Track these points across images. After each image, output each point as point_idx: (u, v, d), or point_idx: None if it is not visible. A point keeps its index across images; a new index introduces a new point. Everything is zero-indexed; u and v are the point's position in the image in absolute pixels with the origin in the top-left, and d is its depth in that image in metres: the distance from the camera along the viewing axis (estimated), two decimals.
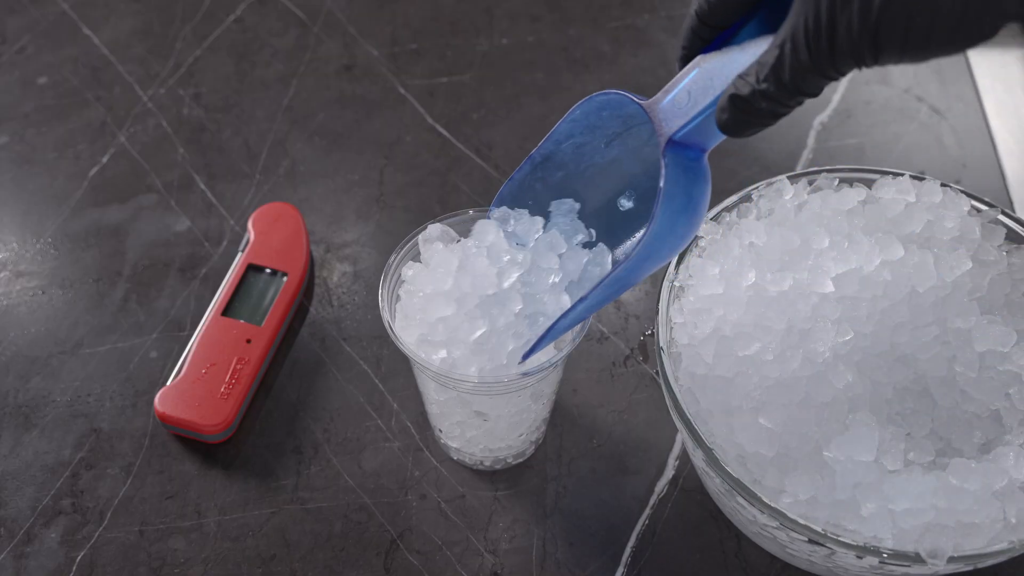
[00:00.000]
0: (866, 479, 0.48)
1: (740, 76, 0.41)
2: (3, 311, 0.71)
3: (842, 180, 0.60)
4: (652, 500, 0.62)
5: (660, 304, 0.56)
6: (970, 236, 0.56)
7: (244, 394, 0.64)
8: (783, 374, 0.52)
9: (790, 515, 0.48)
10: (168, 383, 0.64)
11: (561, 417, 0.65)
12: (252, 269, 0.70)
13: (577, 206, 0.54)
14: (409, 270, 0.55)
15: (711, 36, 0.44)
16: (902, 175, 0.58)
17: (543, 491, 0.62)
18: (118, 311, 0.71)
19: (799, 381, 0.51)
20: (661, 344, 0.54)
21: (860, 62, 0.38)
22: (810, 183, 0.60)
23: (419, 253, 0.56)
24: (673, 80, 0.45)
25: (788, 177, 0.60)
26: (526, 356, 0.51)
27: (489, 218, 0.54)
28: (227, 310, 0.67)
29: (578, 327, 0.53)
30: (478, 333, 0.51)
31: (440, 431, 0.61)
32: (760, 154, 0.79)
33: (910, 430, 0.52)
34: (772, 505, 0.48)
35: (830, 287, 0.53)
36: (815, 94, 0.40)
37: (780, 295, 0.54)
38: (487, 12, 0.90)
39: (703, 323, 0.54)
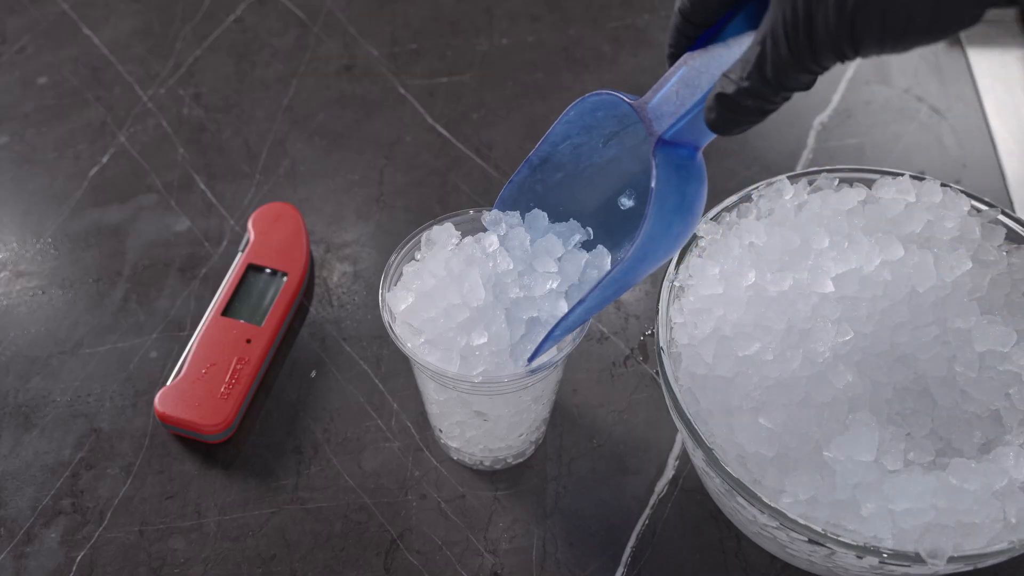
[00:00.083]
0: (866, 479, 0.48)
1: (725, 74, 0.41)
2: (3, 311, 0.71)
3: (842, 180, 0.59)
4: (652, 500, 0.62)
5: (660, 304, 0.56)
6: (970, 236, 0.56)
7: (244, 394, 0.64)
8: (783, 374, 0.52)
9: (790, 515, 0.48)
10: (168, 383, 0.64)
11: (561, 417, 0.65)
12: (252, 269, 0.70)
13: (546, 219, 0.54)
14: (410, 268, 0.55)
15: (696, 34, 0.44)
16: (902, 175, 0.58)
17: (543, 491, 0.62)
18: (118, 311, 0.71)
19: (799, 381, 0.51)
20: (661, 344, 0.54)
21: (841, 55, 0.38)
22: (810, 183, 0.60)
23: (419, 253, 0.56)
24: (661, 79, 0.45)
25: (788, 177, 0.60)
26: (531, 359, 0.51)
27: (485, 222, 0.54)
28: (227, 310, 0.67)
29: (578, 327, 0.53)
30: (480, 341, 0.51)
31: (440, 431, 0.61)
32: (760, 154, 0.80)
33: (910, 430, 0.52)
34: (772, 505, 0.48)
35: (830, 287, 0.53)
36: (801, 88, 0.40)
37: (780, 295, 0.54)
38: (487, 12, 0.90)
39: (703, 323, 0.54)
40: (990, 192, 0.76)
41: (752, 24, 0.42)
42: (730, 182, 0.76)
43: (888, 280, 0.53)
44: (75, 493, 0.62)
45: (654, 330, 0.56)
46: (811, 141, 0.81)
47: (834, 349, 0.52)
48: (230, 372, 0.64)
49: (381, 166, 0.79)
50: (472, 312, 0.52)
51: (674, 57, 0.45)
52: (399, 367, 0.67)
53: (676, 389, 0.53)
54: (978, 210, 0.58)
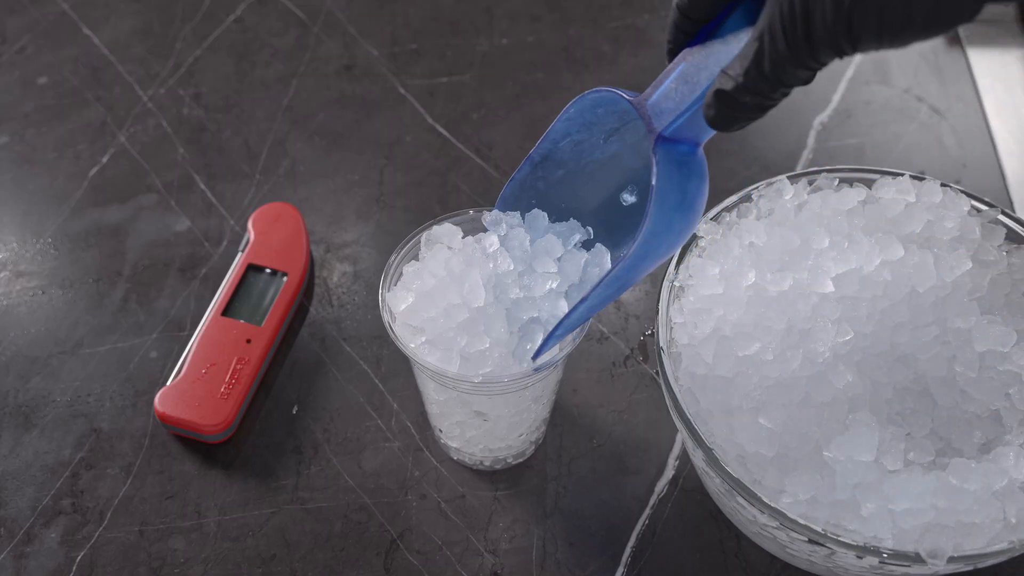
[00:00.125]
0: (866, 479, 0.48)
1: (723, 71, 0.41)
2: (3, 311, 0.71)
3: (842, 180, 0.59)
4: (652, 500, 0.62)
5: (660, 304, 0.56)
6: (970, 236, 0.56)
7: (244, 394, 0.64)
8: (783, 374, 0.52)
9: (790, 515, 0.48)
10: (168, 383, 0.64)
11: (561, 417, 0.65)
12: (252, 269, 0.70)
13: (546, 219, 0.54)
14: (410, 268, 0.55)
15: (694, 30, 0.44)
16: (902, 175, 0.58)
17: (543, 491, 0.62)
18: (118, 311, 0.71)
19: (799, 381, 0.51)
20: (661, 344, 0.54)
21: (839, 51, 0.38)
22: (810, 183, 0.60)
23: (419, 253, 0.56)
24: (660, 76, 0.45)
25: (788, 177, 0.60)
26: (535, 356, 0.51)
27: (485, 222, 0.54)
28: (227, 310, 0.67)
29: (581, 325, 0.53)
30: (481, 347, 0.51)
31: (440, 431, 0.61)
32: (760, 154, 0.80)
33: (910, 430, 0.52)
34: (772, 505, 0.48)
35: (830, 287, 0.53)
36: (800, 84, 0.40)
37: (780, 295, 0.54)
38: (487, 12, 0.90)
39: (703, 323, 0.54)
40: (990, 192, 0.76)
41: (750, 20, 0.41)
42: (730, 182, 0.76)
43: (888, 280, 0.53)
44: (75, 493, 0.62)
45: (654, 330, 0.56)
46: (811, 141, 0.81)
47: (834, 349, 0.52)
48: (230, 372, 0.64)
49: (381, 166, 0.79)
50: (472, 312, 0.52)
51: (673, 53, 0.45)
52: (399, 367, 0.67)
53: (676, 389, 0.53)
54: (978, 210, 0.58)
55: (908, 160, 0.79)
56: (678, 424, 0.53)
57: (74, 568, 0.59)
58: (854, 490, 0.48)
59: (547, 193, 0.54)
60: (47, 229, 0.76)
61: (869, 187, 0.59)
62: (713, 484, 0.54)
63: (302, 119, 0.82)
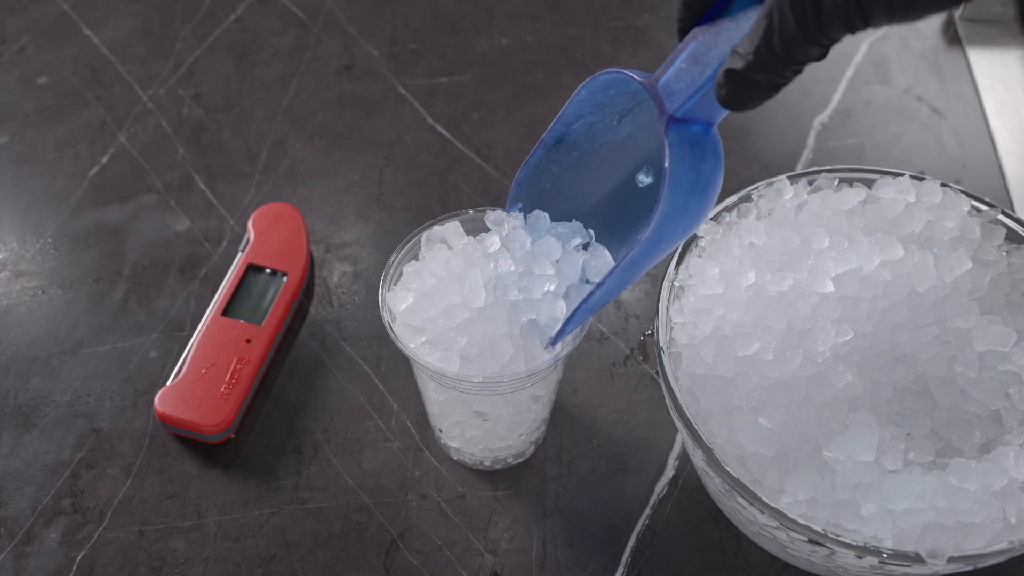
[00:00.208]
0: (866, 479, 0.48)
1: (734, 49, 0.40)
2: (3, 311, 0.71)
3: (842, 180, 0.59)
4: (652, 500, 0.62)
5: (660, 304, 0.56)
6: (970, 236, 0.56)
7: (244, 394, 0.64)
8: (783, 374, 0.52)
9: (790, 515, 0.48)
10: (168, 383, 0.64)
11: (561, 417, 0.65)
12: (252, 269, 0.70)
13: (547, 219, 0.54)
14: (410, 268, 0.55)
15: (704, 8, 0.43)
16: (902, 175, 0.58)
17: (543, 491, 0.62)
18: (118, 311, 0.71)
19: (799, 381, 0.51)
20: (661, 344, 0.54)
21: (850, 26, 0.36)
22: (810, 183, 0.60)
23: (419, 253, 0.56)
24: (671, 56, 0.44)
25: (788, 177, 0.60)
26: (554, 342, 0.51)
27: (508, 211, 0.54)
28: (227, 310, 0.67)
29: (578, 327, 0.53)
30: (488, 347, 0.51)
31: (440, 431, 0.61)
32: (760, 154, 0.80)
33: (910, 430, 0.52)
34: (772, 505, 0.48)
35: (830, 287, 0.53)
36: (812, 60, 0.39)
37: (780, 295, 0.54)
38: (487, 12, 0.90)
39: (703, 323, 0.54)
40: (990, 192, 0.76)
41: None
42: (730, 182, 0.75)
43: (888, 280, 0.53)
44: (75, 493, 0.62)
45: (654, 330, 0.56)
46: (811, 141, 0.81)
47: (834, 349, 0.52)
48: (230, 372, 0.64)
49: (381, 166, 0.79)
50: (472, 312, 0.52)
51: (683, 32, 0.44)
52: (399, 367, 0.67)
53: (676, 389, 0.53)
54: (978, 210, 0.58)
55: (908, 160, 0.79)
56: (678, 424, 0.53)
57: (74, 568, 0.59)
58: (854, 490, 0.48)
59: (562, 176, 0.53)
60: (47, 229, 0.76)
61: (869, 187, 0.59)
62: (713, 484, 0.54)
63: (302, 119, 0.82)
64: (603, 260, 0.52)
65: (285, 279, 0.69)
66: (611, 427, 0.65)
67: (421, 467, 0.63)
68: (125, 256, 0.74)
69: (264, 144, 0.80)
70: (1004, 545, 0.47)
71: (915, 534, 0.47)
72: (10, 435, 0.65)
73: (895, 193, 0.57)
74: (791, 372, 0.51)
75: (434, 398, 0.57)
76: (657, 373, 0.65)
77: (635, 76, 0.46)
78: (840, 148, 0.80)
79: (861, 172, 0.60)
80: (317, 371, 0.67)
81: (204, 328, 0.66)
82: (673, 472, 0.63)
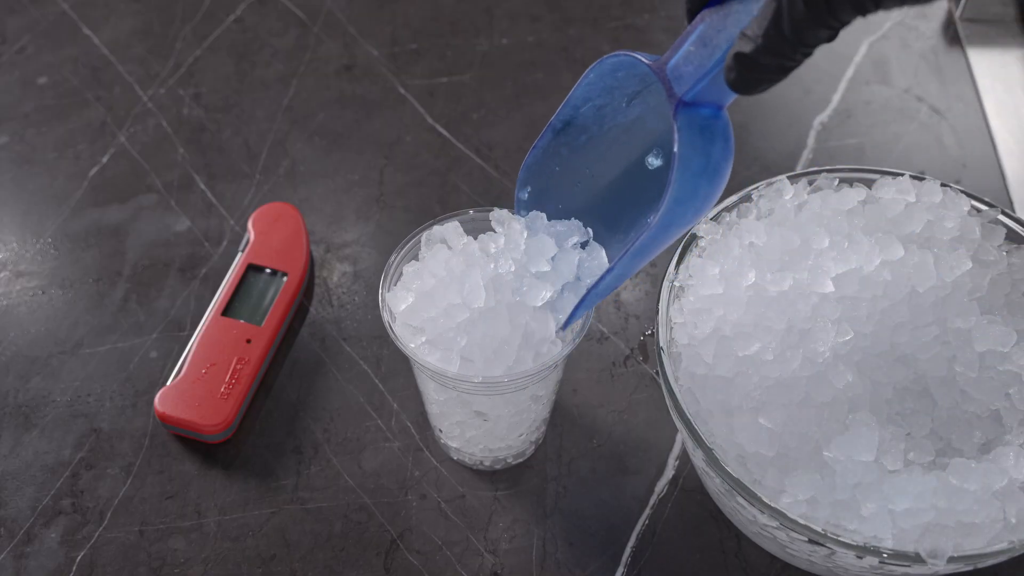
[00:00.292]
0: (866, 479, 0.48)
1: (743, 32, 0.40)
2: (3, 311, 0.71)
3: (842, 180, 0.59)
4: (652, 500, 0.62)
5: (660, 304, 0.56)
6: (970, 236, 0.56)
7: (244, 394, 0.64)
8: (783, 374, 0.52)
9: (790, 515, 0.48)
10: (168, 383, 0.64)
11: (561, 417, 0.65)
12: (252, 269, 0.70)
13: (543, 219, 0.54)
14: (410, 268, 0.55)
15: None
16: (902, 175, 0.58)
17: (543, 491, 0.62)
18: (118, 311, 0.71)
19: (799, 381, 0.51)
20: (661, 344, 0.54)
21: (860, 8, 0.36)
22: (810, 183, 0.60)
23: (419, 253, 0.56)
24: (680, 38, 0.44)
25: (788, 177, 0.60)
26: (564, 327, 0.52)
27: (517, 194, 0.54)
28: (227, 310, 0.67)
29: (578, 326, 0.53)
30: (492, 348, 0.51)
31: (440, 431, 0.61)
32: (760, 154, 0.80)
33: (910, 430, 0.52)
34: (772, 505, 0.48)
35: (830, 287, 0.53)
36: (822, 42, 0.38)
37: (780, 295, 0.54)
38: (487, 12, 0.90)
39: (703, 323, 0.54)
40: (990, 192, 0.76)
41: None
42: (730, 182, 0.75)
43: (888, 280, 0.53)
44: (75, 493, 0.62)
45: (654, 330, 0.56)
46: (811, 141, 0.81)
47: (834, 349, 0.52)
48: (230, 372, 0.64)
49: (381, 166, 0.79)
50: (472, 313, 0.52)
51: (691, 15, 0.43)
52: (399, 367, 0.67)
53: (676, 389, 0.53)
54: (978, 210, 0.58)
55: (908, 160, 0.79)
56: (678, 424, 0.53)
57: (74, 568, 0.59)
58: (854, 490, 0.48)
59: (571, 159, 0.53)
60: (47, 229, 0.76)
61: (869, 187, 0.59)
62: (713, 484, 0.54)
63: (302, 119, 0.82)
64: (599, 260, 0.52)
65: (285, 279, 0.69)
66: (611, 427, 0.65)
67: (421, 467, 0.63)
68: (125, 256, 0.74)
69: (264, 144, 0.81)
70: (1004, 545, 0.47)
71: (915, 534, 0.47)
72: (10, 435, 0.65)
73: (895, 193, 0.57)
74: (791, 372, 0.51)
75: (434, 398, 0.57)
76: (657, 373, 0.65)
77: (643, 59, 0.46)
78: (840, 148, 0.80)
79: (861, 172, 0.60)
80: (317, 371, 0.67)
81: (204, 328, 0.66)
82: (673, 472, 0.63)
